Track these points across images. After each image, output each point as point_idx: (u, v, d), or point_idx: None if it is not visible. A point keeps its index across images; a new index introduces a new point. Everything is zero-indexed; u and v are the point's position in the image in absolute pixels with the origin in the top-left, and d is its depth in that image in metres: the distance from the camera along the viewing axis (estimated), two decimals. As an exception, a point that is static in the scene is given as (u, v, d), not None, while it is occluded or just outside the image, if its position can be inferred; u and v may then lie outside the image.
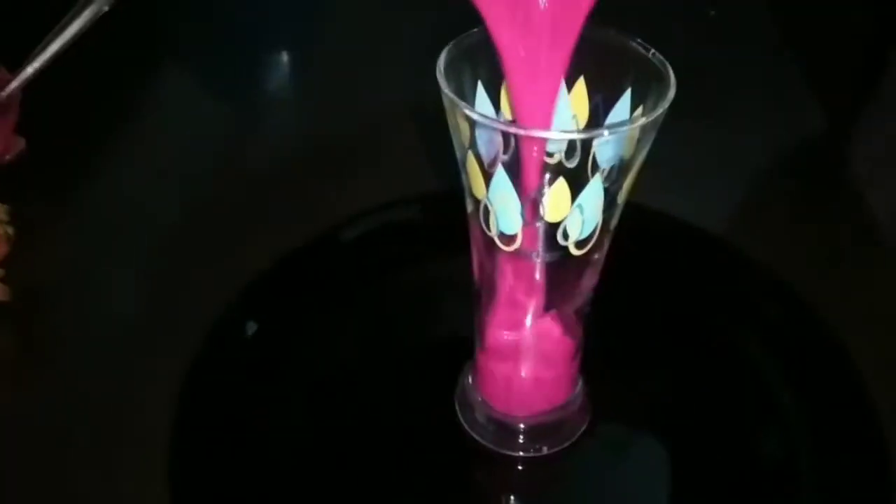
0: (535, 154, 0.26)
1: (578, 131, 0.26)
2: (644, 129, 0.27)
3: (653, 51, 0.29)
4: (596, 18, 0.28)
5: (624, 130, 0.26)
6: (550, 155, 0.29)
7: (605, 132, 0.26)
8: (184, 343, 0.39)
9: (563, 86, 0.30)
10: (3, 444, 0.36)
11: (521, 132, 0.26)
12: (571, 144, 0.27)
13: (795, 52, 0.60)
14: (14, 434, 0.37)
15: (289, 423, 0.37)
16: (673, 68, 0.28)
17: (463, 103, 0.26)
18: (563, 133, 0.26)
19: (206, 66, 0.63)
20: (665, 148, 0.29)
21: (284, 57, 0.65)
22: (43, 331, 0.42)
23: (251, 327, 0.40)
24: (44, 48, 0.47)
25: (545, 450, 0.36)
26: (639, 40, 0.29)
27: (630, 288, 0.41)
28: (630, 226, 0.31)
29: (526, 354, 0.34)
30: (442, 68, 0.28)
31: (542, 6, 0.24)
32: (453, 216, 0.33)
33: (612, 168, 0.28)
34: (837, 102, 0.56)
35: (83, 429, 0.37)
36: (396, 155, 0.51)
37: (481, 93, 0.29)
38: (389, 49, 0.61)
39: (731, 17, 0.65)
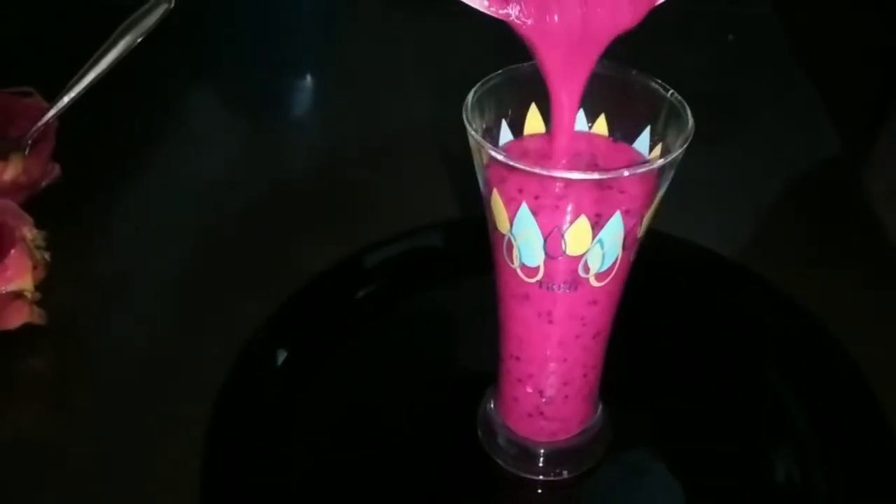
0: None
1: (599, 172, 0.27)
2: (662, 169, 0.28)
3: (672, 91, 0.29)
4: (616, 47, 0.29)
5: (643, 171, 0.27)
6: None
7: (626, 173, 0.27)
8: (215, 364, 0.40)
9: (584, 121, 0.31)
10: (40, 462, 0.38)
11: (545, 173, 0.27)
12: (592, 182, 0.28)
13: (811, 77, 0.61)
14: (51, 452, 0.38)
15: (314, 446, 0.38)
16: (690, 92, 0.29)
17: (489, 145, 0.28)
18: (584, 174, 0.27)
19: (232, 93, 0.64)
20: (681, 172, 0.29)
21: (308, 82, 0.66)
22: (78, 352, 0.43)
23: (277, 353, 0.41)
24: (79, 79, 0.49)
25: (565, 474, 0.37)
26: (658, 81, 0.30)
27: (649, 314, 0.41)
28: (648, 252, 0.32)
29: (546, 382, 0.35)
30: (468, 110, 0.29)
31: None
32: (476, 242, 0.34)
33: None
34: (853, 126, 0.57)
35: (118, 448, 0.38)
36: (420, 181, 0.52)
37: (505, 131, 0.30)
38: (416, 75, 0.62)
39: (748, 42, 0.66)
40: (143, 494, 0.36)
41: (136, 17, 0.49)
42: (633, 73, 0.30)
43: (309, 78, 0.66)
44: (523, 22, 0.26)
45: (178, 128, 0.59)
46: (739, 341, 0.42)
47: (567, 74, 0.28)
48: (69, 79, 0.49)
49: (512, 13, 0.26)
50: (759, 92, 0.60)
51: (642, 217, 0.29)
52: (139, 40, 0.49)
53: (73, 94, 0.49)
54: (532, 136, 0.31)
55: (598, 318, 0.32)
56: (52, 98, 0.49)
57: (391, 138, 0.57)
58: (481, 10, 0.26)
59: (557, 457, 0.37)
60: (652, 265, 0.33)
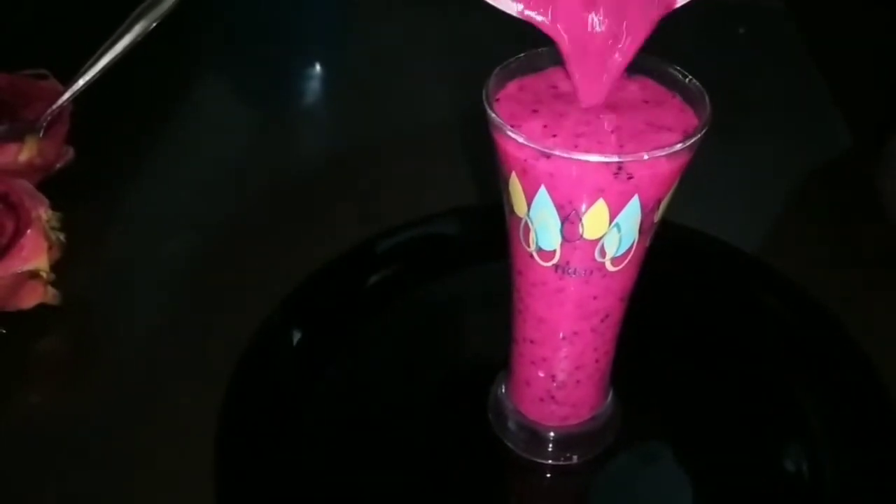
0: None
1: (618, 155, 0.27)
2: (681, 152, 0.28)
3: (690, 77, 0.30)
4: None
5: (661, 154, 0.27)
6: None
7: (645, 155, 0.27)
8: (229, 346, 0.40)
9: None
10: (53, 441, 0.38)
11: (564, 154, 0.27)
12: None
13: (822, 70, 0.61)
14: (63, 432, 0.38)
15: (326, 428, 0.38)
16: (702, 85, 0.29)
17: (509, 127, 0.28)
18: (602, 157, 0.27)
19: (246, 79, 0.64)
20: (694, 163, 0.29)
21: (323, 68, 0.67)
22: (92, 333, 0.44)
23: (290, 336, 0.42)
24: (94, 63, 0.49)
25: (575, 459, 0.37)
26: (677, 67, 0.30)
27: (662, 302, 0.42)
28: (661, 242, 0.32)
29: (558, 367, 0.35)
30: (488, 93, 0.29)
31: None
32: (489, 228, 0.34)
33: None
34: (865, 120, 0.57)
35: (130, 429, 0.39)
36: (435, 167, 0.53)
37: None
38: (431, 63, 0.63)
39: (759, 35, 0.66)
40: (156, 474, 0.37)
41: (151, 2, 0.49)
42: (652, 59, 0.30)
43: (324, 64, 0.66)
44: (552, 26, 0.27)
45: (192, 112, 0.60)
46: (750, 332, 0.42)
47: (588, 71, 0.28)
48: (84, 62, 0.49)
49: (543, 18, 0.27)
50: (770, 85, 0.61)
51: (659, 202, 0.29)
52: (154, 25, 0.49)
53: (87, 77, 0.49)
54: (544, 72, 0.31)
55: (613, 303, 0.33)
56: (67, 81, 0.49)
57: (405, 126, 0.57)
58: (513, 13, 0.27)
59: (567, 442, 0.37)
60: (665, 255, 0.33)
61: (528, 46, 0.31)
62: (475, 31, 0.62)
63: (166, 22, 0.49)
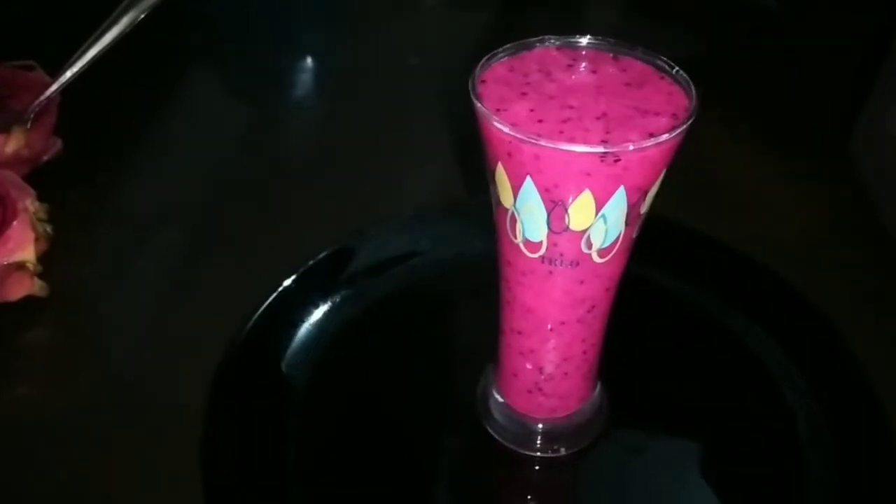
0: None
1: (604, 146, 0.27)
2: (667, 144, 0.28)
3: (677, 68, 0.30)
4: (619, 28, 0.29)
5: (648, 145, 0.27)
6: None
7: (631, 146, 0.27)
8: (216, 338, 0.40)
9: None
10: (40, 434, 0.38)
11: (551, 145, 0.27)
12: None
13: (805, 63, 0.61)
14: (51, 425, 0.38)
15: (313, 423, 0.38)
16: (691, 76, 0.29)
17: (496, 118, 0.28)
18: (589, 147, 0.27)
19: (235, 70, 0.64)
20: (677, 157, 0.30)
21: (312, 62, 0.66)
22: (79, 325, 0.44)
23: (278, 330, 0.42)
24: (81, 54, 0.49)
25: (562, 451, 0.37)
26: (664, 58, 0.30)
27: (649, 294, 0.42)
28: (649, 234, 0.32)
29: (546, 358, 0.35)
30: (475, 84, 0.29)
31: None
32: (478, 220, 0.34)
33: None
34: (851, 113, 0.57)
35: (118, 421, 0.38)
36: (421, 162, 0.53)
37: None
38: (420, 56, 0.63)
39: (749, 29, 0.66)
40: (143, 466, 0.37)
41: (139, -7, 0.49)
42: (640, 50, 0.30)
43: (313, 57, 0.66)
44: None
45: (180, 104, 0.59)
46: (737, 323, 0.43)
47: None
48: (72, 53, 0.49)
49: None
50: (757, 77, 0.61)
51: (646, 193, 0.29)
52: (142, 16, 0.49)
53: (75, 68, 0.49)
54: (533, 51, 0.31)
55: (600, 293, 0.33)
56: (55, 72, 0.49)
57: (394, 121, 0.57)
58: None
59: (555, 434, 0.37)
60: (651, 247, 0.33)
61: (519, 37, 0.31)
62: (468, 23, 0.62)
63: (154, 13, 0.49)
